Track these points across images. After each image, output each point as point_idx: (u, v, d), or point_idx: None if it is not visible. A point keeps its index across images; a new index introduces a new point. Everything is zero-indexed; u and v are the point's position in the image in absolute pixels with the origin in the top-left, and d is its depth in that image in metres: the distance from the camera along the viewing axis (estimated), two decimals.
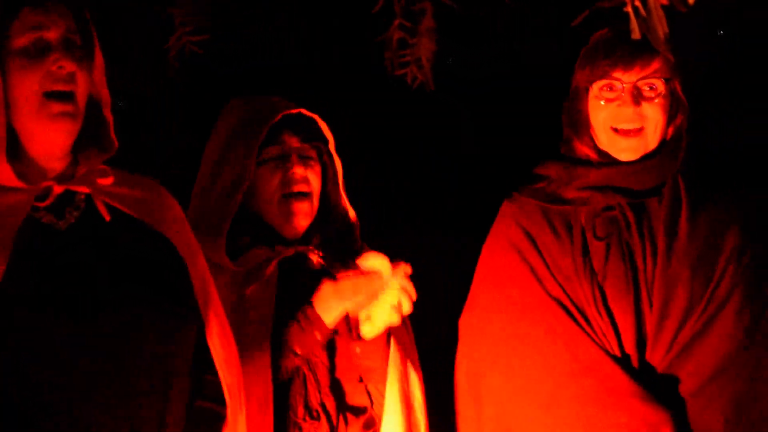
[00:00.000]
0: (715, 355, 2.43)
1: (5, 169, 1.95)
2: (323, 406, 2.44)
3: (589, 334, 2.46)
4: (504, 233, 2.58)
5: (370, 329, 2.44)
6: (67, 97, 2.00)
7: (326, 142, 2.54)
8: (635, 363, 2.45)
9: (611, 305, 2.46)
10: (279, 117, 2.47)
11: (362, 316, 2.46)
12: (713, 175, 2.62)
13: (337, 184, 2.59)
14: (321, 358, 2.45)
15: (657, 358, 2.44)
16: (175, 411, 2.13)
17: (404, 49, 2.32)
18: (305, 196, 2.51)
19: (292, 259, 2.52)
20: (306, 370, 2.44)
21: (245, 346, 2.37)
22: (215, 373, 2.21)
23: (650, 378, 2.45)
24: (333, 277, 2.47)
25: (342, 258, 2.55)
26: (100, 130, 2.11)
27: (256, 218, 2.53)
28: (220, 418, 2.24)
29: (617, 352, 2.46)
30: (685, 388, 2.43)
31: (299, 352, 2.42)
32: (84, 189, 2.06)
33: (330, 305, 2.43)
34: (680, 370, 2.45)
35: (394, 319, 2.43)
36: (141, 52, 2.57)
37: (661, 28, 1.92)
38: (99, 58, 2.08)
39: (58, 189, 2.02)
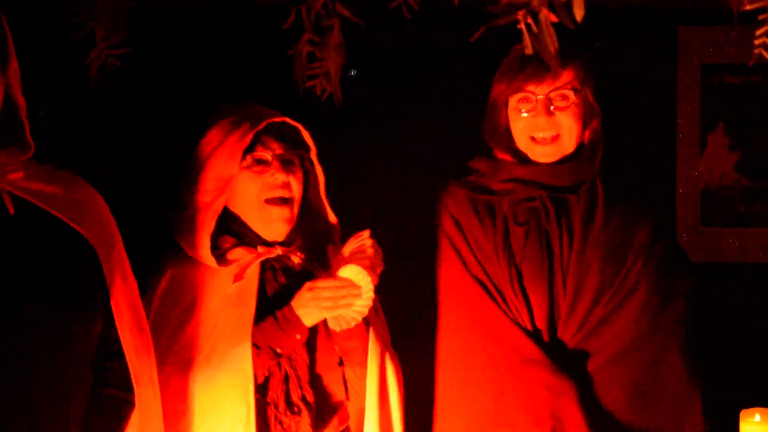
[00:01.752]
0: (620, 338, 2.67)
1: None
2: (304, 400, 2.52)
3: (504, 310, 2.67)
4: (440, 222, 2.80)
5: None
6: None
7: (308, 149, 2.60)
8: (546, 338, 2.67)
9: (526, 285, 2.68)
10: (264, 124, 2.52)
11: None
12: (628, 178, 2.85)
13: (319, 191, 2.65)
14: (301, 355, 2.52)
15: (567, 335, 2.67)
16: (74, 400, 2.20)
17: (313, 62, 2.52)
18: (286, 201, 2.56)
19: (274, 260, 2.58)
20: (288, 367, 2.51)
21: (225, 343, 2.46)
22: (120, 361, 2.29)
23: (559, 353, 2.67)
24: (313, 278, 2.54)
25: (321, 260, 2.62)
26: (16, 131, 2.18)
27: (237, 220, 2.58)
28: (125, 403, 2.33)
29: (529, 327, 2.67)
30: (591, 366, 2.66)
31: (281, 352, 2.49)
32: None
33: (309, 311, 2.49)
34: (587, 348, 2.68)
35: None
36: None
37: (552, 44, 1.99)
38: (14, 63, 2.15)
39: None
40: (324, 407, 2.56)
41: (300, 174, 2.59)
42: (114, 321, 2.28)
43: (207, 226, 2.50)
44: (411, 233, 3.05)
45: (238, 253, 2.54)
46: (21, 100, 2.18)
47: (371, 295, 2.52)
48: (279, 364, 2.50)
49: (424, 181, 3.06)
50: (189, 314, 2.53)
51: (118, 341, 2.29)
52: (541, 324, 2.68)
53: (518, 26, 1.99)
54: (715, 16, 2.87)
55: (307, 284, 2.51)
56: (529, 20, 2.00)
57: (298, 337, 2.50)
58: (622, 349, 2.69)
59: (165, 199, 2.70)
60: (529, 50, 1.99)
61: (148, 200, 3.25)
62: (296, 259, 2.60)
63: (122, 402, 2.34)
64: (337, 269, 2.52)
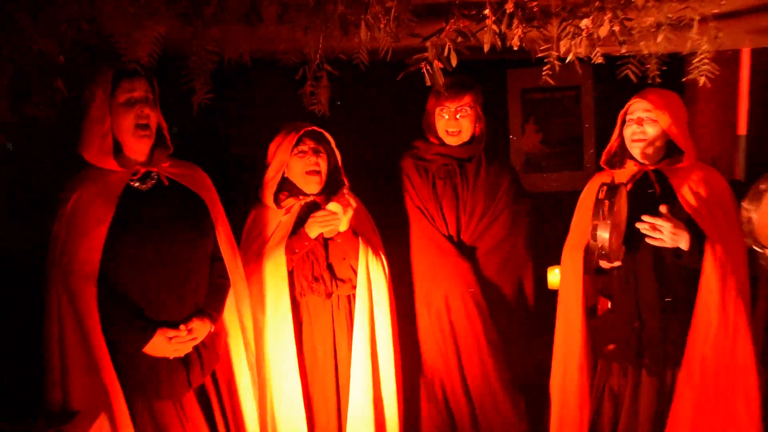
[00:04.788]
0: (494, 239, 4.01)
1: (112, 162, 3.15)
2: (322, 276, 3.71)
3: (433, 225, 4.00)
4: (402, 175, 4.11)
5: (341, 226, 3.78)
6: (146, 127, 3.24)
7: (329, 143, 3.79)
8: (455, 239, 4.01)
9: (444, 211, 4.00)
10: (303, 131, 3.68)
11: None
12: (496, 153, 4.16)
13: (339, 167, 3.86)
14: (320, 252, 3.68)
15: (466, 238, 4.00)
16: (204, 281, 3.35)
17: (313, 96, 3.55)
18: (317, 173, 3.75)
19: (310, 204, 3.76)
20: (313, 259, 3.68)
21: (276, 245, 3.62)
22: (221, 262, 3.45)
23: (463, 247, 4.01)
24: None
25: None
26: (164, 140, 3.34)
27: (292, 183, 3.78)
28: (227, 287, 3.44)
29: (446, 234, 4.00)
30: (479, 254, 4.01)
31: (297, 251, 3.70)
32: (155, 169, 3.29)
33: (311, 228, 3.72)
34: (477, 245, 4.02)
35: (345, 227, 3.74)
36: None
37: (440, 80, 3.06)
38: (158, 105, 3.32)
39: (143, 169, 3.27)
40: (336, 281, 3.74)
41: (325, 156, 3.77)
42: (217, 240, 3.50)
43: (272, 188, 3.70)
44: (387, 182, 4.21)
45: (290, 201, 3.74)
46: (164, 124, 3.38)
47: (347, 218, 3.70)
48: (307, 257, 3.63)
49: (392, 152, 4.30)
50: (263, 232, 3.67)
51: (219, 251, 3.48)
52: (453, 232, 3.95)
53: (422, 71, 3.04)
54: (527, 62, 3.48)
55: (312, 215, 3.73)
56: (427, 66, 3.04)
57: (306, 243, 3.68)
58: (495, 245, 3.99)
59: (250, 173, 3.85)
60: (428, 83, 3.07)
61: (238, 176, 4.28)
62: (322, 204, 3.78)
63: (226, 285, 3.44)
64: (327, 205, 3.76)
